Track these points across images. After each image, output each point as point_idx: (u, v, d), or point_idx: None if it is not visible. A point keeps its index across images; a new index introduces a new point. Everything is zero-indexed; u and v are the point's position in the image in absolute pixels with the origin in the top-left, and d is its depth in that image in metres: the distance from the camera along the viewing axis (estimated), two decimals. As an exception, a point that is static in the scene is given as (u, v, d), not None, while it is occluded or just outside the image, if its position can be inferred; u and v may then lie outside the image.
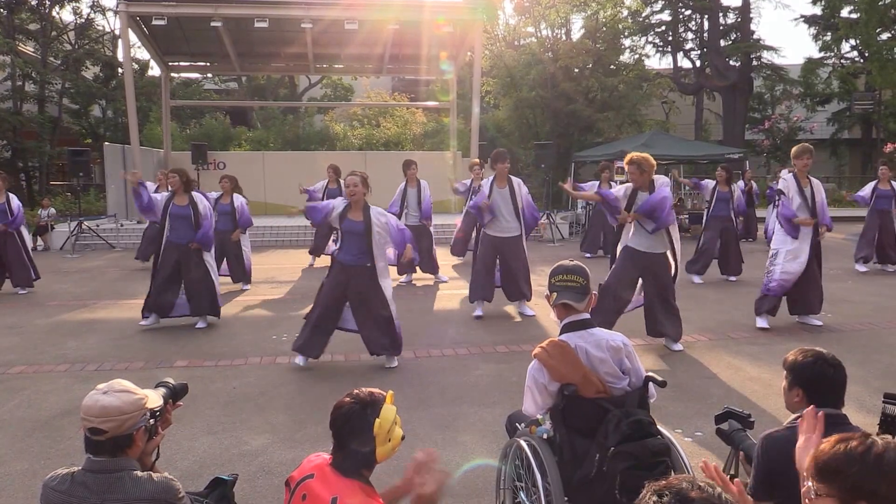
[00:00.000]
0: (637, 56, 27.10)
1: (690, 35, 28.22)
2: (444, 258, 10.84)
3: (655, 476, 1.40)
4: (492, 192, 7.21)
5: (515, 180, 7.31)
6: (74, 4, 23.42)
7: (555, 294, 2.76)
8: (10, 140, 21.59)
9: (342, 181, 6.85)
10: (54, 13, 23.24)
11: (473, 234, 8.55)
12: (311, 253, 11.28)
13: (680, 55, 28.22)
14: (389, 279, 5.62)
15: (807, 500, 1.54)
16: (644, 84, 25.37)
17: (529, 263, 7.53)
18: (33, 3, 22.51)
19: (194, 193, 7.14)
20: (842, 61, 27.84)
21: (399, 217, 9.46)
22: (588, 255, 12.13)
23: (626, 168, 5.83)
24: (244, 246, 9.23)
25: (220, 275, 8.62)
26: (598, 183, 11.92)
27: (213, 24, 15.41)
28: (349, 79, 28.88)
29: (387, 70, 21.02)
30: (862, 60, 26.17)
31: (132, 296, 8.50)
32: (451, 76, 20.26)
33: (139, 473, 1.92)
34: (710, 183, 10.04)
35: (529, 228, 7.49)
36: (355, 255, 5.44)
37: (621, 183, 6.08)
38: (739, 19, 26.62)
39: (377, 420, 1.96)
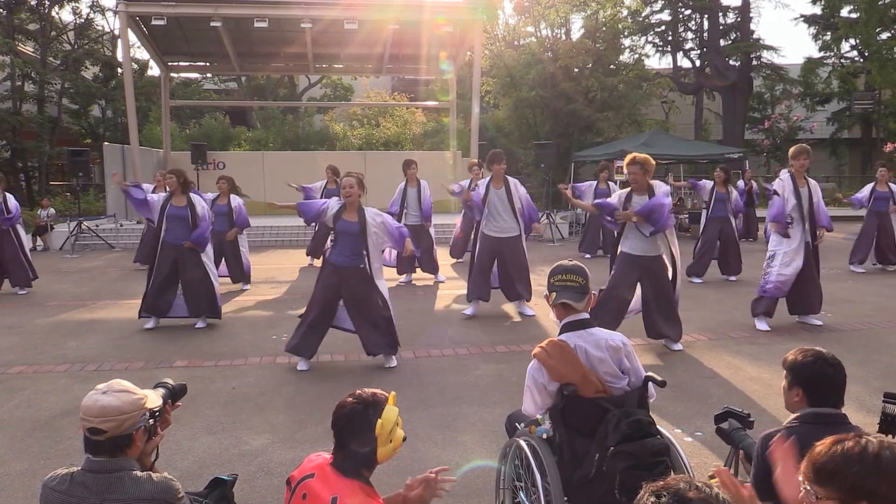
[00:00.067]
0: (637, 56, 27.13)
1: (690, 35, 28.21)
2: (443, 258, 10.84)
3: (655, 476, 1.40)
4: (488, 193, 7.21)
5: (512, 181, 7.31)
6: (74, 4, 23.45)
7: (554, 294, 2.76)
8: (10, 140, 21.58)
9: (339, 181, 6.86)
10: (54, 13, 23.23)
11: (472, 235, 8.54)
12: (308, 254, 11.29)
13: (680, 55, 28.22)
14: (384, 279, 5.62)
15: None
16: (644, 84, 25.38)
17: (529, 263, 7.53)
18: (33, 3, 22.50)
19: (192, 194, 7.12)
20: (841, 61, 27.83)
21: (399, 217, 9.48)
22: (588, 255, 12.12)
23: (628, 168, 5.77)
24: (242, 246, 9.23)
25: (219, 275, 8.64)
26: (595, 183, 11.92)
27: (212, 24, 15.41)
28: (349, 79, 28.89)
29: (386, 70, 21.02)
30: (862, 60, 26.17)
31: (132, 296, 8.50)
32: (450, 76, 20.25)
33: (139, 473, 1.92)
34: (707, 183, 10.03)
35: (530, 227, 7.49)
36: (348, 256, 5.44)
37: (621, 182, 6.07)
38: (739, 19, 26.61)
39: (379, 421, 1.97)
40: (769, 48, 26.69)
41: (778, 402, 4.38)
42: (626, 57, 26.84)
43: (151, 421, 2.03)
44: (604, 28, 25.03)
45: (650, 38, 27.49)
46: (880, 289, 8.88)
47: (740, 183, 14.46)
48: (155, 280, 6.93)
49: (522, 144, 24.94)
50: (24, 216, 11.63)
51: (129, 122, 16.61)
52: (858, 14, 23.25)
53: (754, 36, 26.64)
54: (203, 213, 7.05)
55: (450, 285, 9.55)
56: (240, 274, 9.25)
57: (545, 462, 2.53)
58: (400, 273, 9.77)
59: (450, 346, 6.30)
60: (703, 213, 10.13)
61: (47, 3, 22.50)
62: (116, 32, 22.31)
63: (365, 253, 5.43)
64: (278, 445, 4.06)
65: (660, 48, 28.04)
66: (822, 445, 1.55)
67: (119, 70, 23.28)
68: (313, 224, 10.00)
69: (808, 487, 1.54)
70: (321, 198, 10.35)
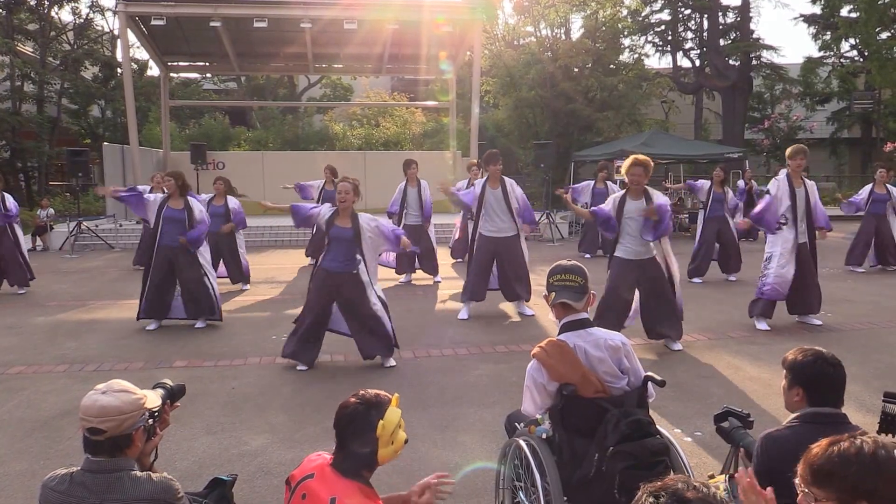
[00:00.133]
0: (636, 55, 27.11)
1: (690, 34, 28.21)
2: (443, 258, 10.84)
3: (654, 476, 1.40)
4: (485, 193, 7.20)
5: (509, 181, 7.31)
6: (73, 4, 23.44)
7: (553, 294, 2.77)
8: (9, 140, 21.57)
9: (336, 182, 6.86)
10: (53, 13, 23.22)
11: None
12: (308, 255, 11.30)
13: (679, 54, 28.21)
14: (378, 284, 5.61)
15: None
16: (643, 83, 25.37)
17: (529, 263, 7.52)
18: (32, 3, 22.50)
19: (189, 197, 7.11)
20: (841, 60, 27.83)
21: (399, 217, 9.48)
22: (588, 255, 12.12)
23: (632, 170, 5.69)
24: (239, 247, 9.21)
25: (218, 276, 8.63)
26: (593, 182, 11.92)
27: (212, 24, 15.41)
28: (348, 78, 28.88)
29: (386, 70, 21.03)
30: (861, 59, 26.16)
31: (131, 296, 8.49)
32: (450, 76, 20.26)
33: (138, 473, 1.92)
34: (705, 183, 10.02)
35: (532, 224, 7.46)
36: (341, 261, 5.44)
37: (621, 182, 6.07)
38: (739, 18, 26.61)
39: (381, 422, 1.96)
40: (769, 48, 26.71)
41: (778, 402, 4.38)
42: (625, 57, 26.86)
43: (151, 421, 2.03)
44: (603, 28, 25.03)
45: (650, 38, 27.50)
46: (880, 288, 8.88)
47: (740, 183, 14.45)
48: (152, 282, 6.92)
49: (522, 144, 24.94)
50: (23, 216, 11.65)
51: (129, 122, 16.62)
52: (858, 14, 23.25)
53: (754, 36, 26.65)
54: (201, 216, 7.04)
55: (450, 285, 9.54)
56: (238, 274, 9.24)
57: (545, 462, 2.53)
58: (399, 273, 9.77)
59: (449, 346, 6.30)
60: (700, 213, 10.11)
61: (47, 3, 22.49)
62: (116, 32, 22.28)
63: (359, 258, 5.43)
64: (278, 445, 4.06)
65: (659, 48, 28.04)
66: (818, 447, 1.55)
67: (118, 70, 23.28)
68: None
69: (806, 489, 1.54)
70: (319, 198, 10.39)
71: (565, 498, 2.50)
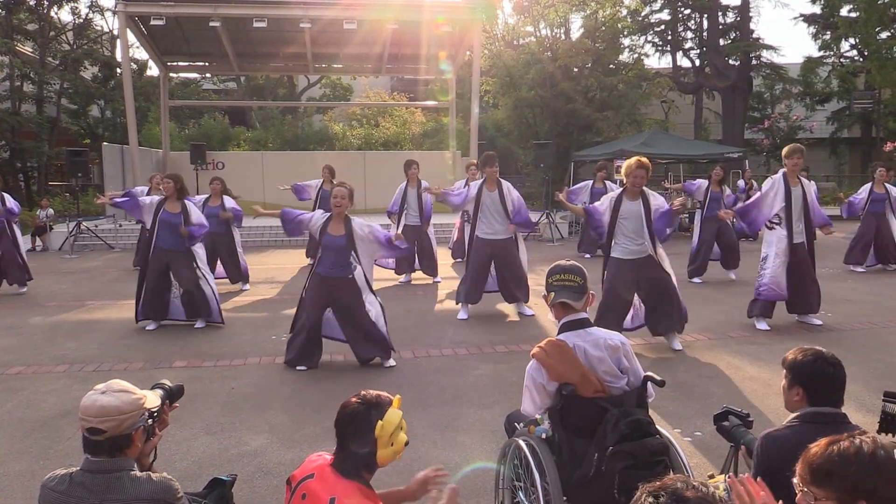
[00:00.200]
0: (636, 55, 27.13)
1: (690, 34, 28.22)
2: (443, 258, 10.83)
3: (654, 476, 1.39)
4: (481, 195, 7.19)
5: (505, 184, 7.30)
6: (73, 4, 23.44)
7: (552, 294, 2.77)
8: (9, 140, 21.57)
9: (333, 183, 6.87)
10: (52, 13, 23.23)
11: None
12: (308, 256, 11.30)
13: (679, 54, 28.22)
14: (372, 289, 5.61)
15: None
16: (643, 83, 25.38)
17: (529, 263, 7.51)
18: (31, 3, 22.50)
19: (187, 201, 7.11)
20: (841, 60, 27.83)
21: (399, 217, 9.48)
22: (587, 255, 12.11)
23: (636, 173, 5.66)
24: (237, 245, 9.20)
25: (216, 277, 8.62)
26: (591, 182, 11.92)
27: (211, 24, 15.41)
28: (348, 78, 28.89)
29: (386, 70, 21.02)
30: (861, 59, 26.17)
31: (131, 296, 8.43)
32: (450, 76, 20.25)
33: (138, 473, 1.92)
34: (703, 183, 10.01)
35: (522, 227, 7.41)
36: (336, 267, 5.44)
37: (620, 182, 6.06)
38: (739, 18, 26.62)
39: (379, 422, 1.96)
40: (769, 47, 26.73)
41: (778, 402, 4.38)
42: (625, 56, 26.88)
43: (150, 421, 2.03)
44: (603, 27, 25.04)
45: (650, 38, 27.51)
46: (880, 288, 8.88)
47: (741, 182, 14.46)
48: (148, 284, 6.92)
49: (522, 144, 24.94)
50: (23, 216, 11.65)
51: (128, 122, 16.63)
52: (858, 13, 23.25)
53: (754, 35, 26.67)
54: (199, 220, 7.07)
55: (450, 286, 9.53)
56: (237, 274, 9.22)
57: (544, 462, 2.53)
58: (399, 273, 9.77)
59: (449, 346, 6.30)
60: (698, 213, 10.10)
61: (46, 3, 22.49)
62: (115, 32, 22.30)
63: (354, 264, 5.43)
64: (277, 446, 4.06)
65: (659, 48, 28.05)
66: (816, 447, 1.55)
67: (118, 70, 23.28)
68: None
69: (805, 489, 1.53)
70: (316, 197, 10.40)
71: (565, 498, 2.50)
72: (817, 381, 2.23)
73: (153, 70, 23.65)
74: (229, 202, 9.00)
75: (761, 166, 25.64)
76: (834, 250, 11.24)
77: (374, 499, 1.96)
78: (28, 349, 6.29)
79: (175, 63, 20.10)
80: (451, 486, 1.91)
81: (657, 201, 5.80)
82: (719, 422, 2.60)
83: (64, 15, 24.68)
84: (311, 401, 4.82)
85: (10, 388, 5.15)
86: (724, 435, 2.58)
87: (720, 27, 26.66)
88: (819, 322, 6.80)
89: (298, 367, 5.54)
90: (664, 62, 29.29)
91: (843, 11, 25.06)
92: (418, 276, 9.89)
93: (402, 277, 9.73)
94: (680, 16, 27.43)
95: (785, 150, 6.62)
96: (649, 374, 2.74)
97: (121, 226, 15.00)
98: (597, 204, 6.12)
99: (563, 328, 2.76)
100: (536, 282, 7.79)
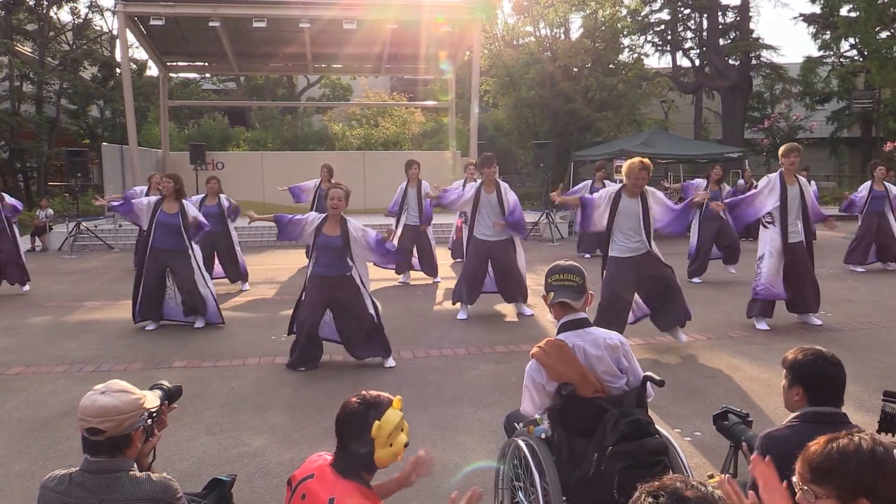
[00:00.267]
0: (636, 55, 27.15)
1: (689, 34, 28.23)
2: (442, 258, 10.83)
3: (653, 476, 1.39)
4: (479, 197, 7.19)
5: (503, 185, 7.30)
6: (72, 4, 23.43)
7: (552, 293, 2.77)
8: (8, 141, 21.57)
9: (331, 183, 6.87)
10: (52, 13, 23.22)
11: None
12: (308, 256, 11.29)
13: (679, 54, 28.23)
14: (369, 287, 5.61)
15: None
16: (643, 83, 25.39)
17: (528, 263, 7.50)
18: (31, 3, 22.49)
19: (185, 202, 7.10)
20: (841, 60, 27.83)
21: (398, 217, 9.47)
22: (587, 255, 12.10)
23: (639, 174, 5.63)
24: (235, 244, 9.19)
25: (215, 277, 8.63)
26: (591, 182, 11.92)
27: (211, 24, 15.40)
28: (348, 78, 28.91)
29: (385, 70, 21.03)
30: (861, 59, 26.17)
31: (130, 297, 8.48)
32: (449, 76, 20.26)
33: (137, 474, 1.92)
34: (701, 183, 9.99)
35: (517, 227, 7.36)
36: (333, 266, 5.43)
37: (620, 182, 6.04)
38: (738, 18, 26.63)
39: (377, 422, 1.96)
40: (768, 47, 26.76)
41: (778, 402, 4.38)
42: (625, 56, 26.89)
43: (149, 421, 2.03)
44: (603, 27, 25.04)
45: (649, 38, 27.52)
46: (879, 288, 8.87)
47: (741, 182, 14.46)
48: (145, 286, 6.90)
49: (521, 144, 24.95)
50: (22, 217, 11.65)
51: (128, 122, 16.62)
52: (858, 13, 23.24)
53: (754, 35, 26.68)
54: (198, 218, 7.10)
55: (449, 286, 9.53)
56: (236, 273, 9.21)
57: (544, 462, 2.53)
58: (399, 273, 9.76)
59: (449, 346, 6.29)
60: (696, 213, 10.09)
61: (45, 3, 22.49)
62: (115, 32, 22.30)
63: (351, 263, 5.43)
64: (277, 446, 4.05)
65: (659, 47, 28.06)
66: (816, 445, 1.55)
67: (117, 70, 23.28)
68: None
69: (805, 487, 1.53)
70: (314, 196, 10.40)
71: (564, 498, 2.50)
72: (817, 381, 2.23)
73: (153, 70, 23.67)
74: (225, 200, 9.00)
75: (761, 166, 25.65)
76: (834, 250, 11.25)
77: (374, 499, 1.96)
78: (27, 349, 6.28)
79: (174, 63, 20.10)
80: (473, 489, 1.91)
81: (658, 200, 5.79)
82: (719, 421, 2.60)
83: (63, 15, 24.72)
84: (310, 401, 4.82)
85: (9, 389, 5.14)
86: (723, 433, 2.58)
87: (720, 27, 26.66)
88: (819, 322, 6.79)
89: (299, 368, 5.54)
90: (664, 62, 29.33)
91: (843, 11, 25.06)
92: (419, 277, 9.89)
93: (402, 277, 9.73)
94: (680, 15, 27.44)
95: (782, 149, 6.60)
96: (649, 374, 2.74)
97: (120, 226, 14.98)
98: (594, 195, 6.12)
99: (563, 328, 2.76)
100: (536, 282, 7.80)
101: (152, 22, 15.33)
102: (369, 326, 5.50)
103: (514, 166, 28.07)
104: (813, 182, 13.76)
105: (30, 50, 23.71)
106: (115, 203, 7.41)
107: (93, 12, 24.39)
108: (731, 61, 25.99)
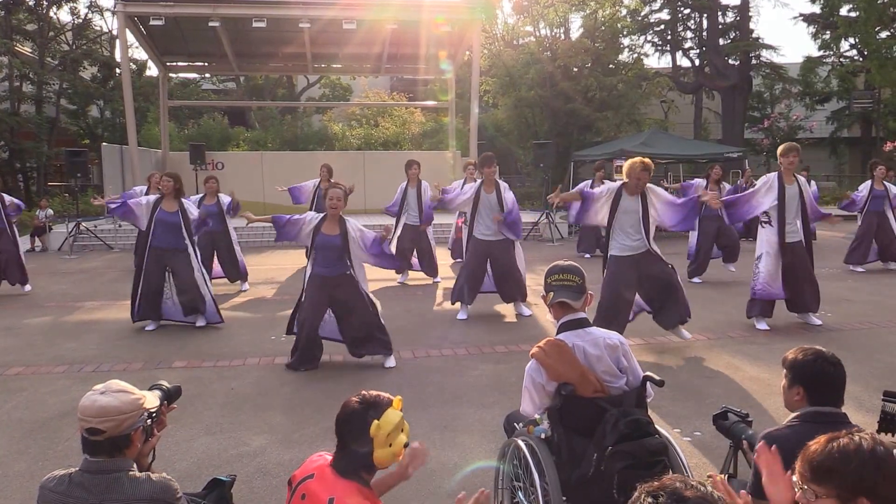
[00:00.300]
0: (636, 55, 27.17)
1: (689, 34, 28.24)
2: (442, 258, 10.83)
3: (653, 476, 1.39)
4: (479, 196, 7.19)
5: (502, 184, 7.31)
6: (72, 5, 23.45)
7: (551, 293, 2.77)
8: (8, 141, 21.57)
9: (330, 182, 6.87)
10: (52, 13, 23.23)
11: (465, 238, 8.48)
12: (308, 256, 11.28)
13: (679, 54, 28.23)
14: (367, 287, 5.61)
15: None
16: (643, 83, 25.40)
17: (528, 263, 7.49)
18: (31, 3, 22.49)
19: (184, 201, 7.10)
20: (841, 60, 27.84)
21: (398, 217, 9.47)
22: (587, 255, 12.11)
23: (640, 175, 5.63)
24: (235, 244, 9.19)
25: (214, 276, 8.63)
26: (591, 182, 11.91)
27: (210, 24, 15.40)
28: (347, 78, 28.90)
29: (385, 70, 21.02)
30: (861, 59, 26.18)
31: (130, 297, 8.48)
32: (449, 76, 20.26)
33: (137, 474, 1.92)
34: (701, 183, 9.99)
35: (513, 227, 7.33)
36: (333, 266, 5.43)
37: (620, 181, 6.03)
38: (738, 18, 26.63)
39: (375, 421, 1.96)
40: (768, 47, 26.76)
41: (778, 402, 4.38)
42: (625, 56, 26.91)
43: (149, 422, 2.03)
44: (603, 27, 25.05)
45: (649, 38, 27.52)
46: (879, 288, 8.87)
47: (741, 182, 14.45)
48: (144, 285, 6.88)
49: (521, 144, 24.96)
50: (22, 217, 11.64)
51: (128, 122, 16.61)
52: (858, 13, 23.25)
53: (753, 35, 26.68)
54: (198, 218, 7.10)
55: (449, 286, 9.52)
56: (235, 272, 9.19)
57: (543, 462, 2.53)
58: (398, 272, 9.76)
59: (449, 346, 6.29)
60: None
61: (45, 3, 22.49)
62: (114, 33, 22.30)
63: (349, 262, 5.42)
64: (277, 446, 4.05)
65: (659, 47, 28.06)
66: (816, 444, 1.55)
67: (117, 70, 23.29)
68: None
69: (805, 486, 1.53)
70: (313, 195, 10.40)
71: (564, 498, 2.49)
72: (818, 381, 2.22)
73: (152, 70, 23.67)
74: (224, 199, 9.00)
75: (761, 166, 25.64)
76: (834, 250, 11.25)
77: (374, 499, 1.96)
78: (27, 350, 6.28)
79: (174, 63, 20.09)
80: (481, 490, 1.91)
81: (661, 198, 5.79)
82: (719, 420, 2.60)
83: (63, 15, 24.78)
84: (310, 401, 4.81)
85: (9, 389, 5.14)
86: (723, 432, 2.58)
87: (720, 27, 26.66)
88: (819, 322, 6.79)
89: (300, 369, 5.54)
90: (664, 62, 29.34)
91: (843, 11, 25.06)
92: (419, 277, 9.88)
93: (400, 278, 9.73)
94: (679, 15, 27.44)
95: (780, 149, 6.59)
96: (648, 373, 2.74)
97: (120, 226, 14.98)
98: (595, 189, 6.11)
99: (562, 328, 2.76)
100: (536, 281, 7.79)
101: (152, 22, 15.33)
102: (371, 324, 5.49)
103: (514, 166, 28.08)
104: (813, 182, 13.76)
105: (29, 50, 23.71)
106: (112, 205, 7.38)
107: (92, 12, 24.45)
108: (731, 61, 25.99)
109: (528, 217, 15.56)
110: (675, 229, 6.02)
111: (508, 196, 7.22)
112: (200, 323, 7.00)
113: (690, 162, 20.84)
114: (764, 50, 26.70)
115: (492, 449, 3.78)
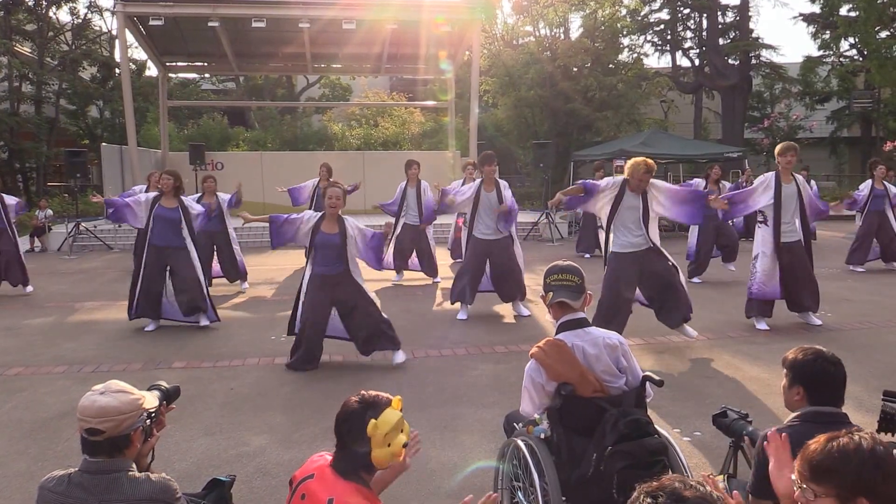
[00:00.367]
0: (636, 55, 27.15)
1: (689, 34, 28.22)
2: (442, 258, 10.83)
3: (652, 476, 1.39)
4: (479, 195, 7.18)
5: (502, 182, 7.31)
6: (71, 5, 23.42)
7: (550, 293, 2.77)
8: (8, 141, 21.56)
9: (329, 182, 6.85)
10: (51, 14, 23.22)
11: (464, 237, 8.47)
12: (307, 255, 11.28)
13: (679, 54, 28.22)
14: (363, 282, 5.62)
15: None
16: (643, 83, 25.39)
17: (527, 263, 7.49)
18: (30, 3, 22.49)
19: (184, 198, 7.09)
20: (841, 59, 27.82)
21: (398, 217, 9.47)
22: (586, 255, 12.10)
23: (643, 177, 5.65)
24: (234, 242, 9.18)
25: (213, 276, 8.62)
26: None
27: (210, 24, 15.40)
28: (347, 78, 28.89)
29: (385, 70, 21.02)
30: (861, 59, 26.17)
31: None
32: (449, 75, 20.25)
33: (137, 474, 1.92)
34: (700, 183, 9.99)
35: (506, 219, 7.28)
36: (332, 264, 5.42)
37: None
38: (738, 18, 26.62)
39: (373, 421, 1.95)
40: (768, 47, 26.73)
41: (778, 402, 4.38)
42: (624, 56, 26.89)
43: (148, 422, 2.03)
44: (602, 27, 25.04)
45: (649, 38, 27.50)
46: (879, 288, 8.87)
47: (741, 181, 14.45)
48: (143, 284, 6.84)
49: (521, 144, 24.95)
50: (22, 217, 11.63)
51: (127, 122, 16.61)
52: (857, 13, 23.24)
53: (753, 35, 26.66)
54: (199, 212, 7.12)
55: (449, 286, 9.52)
56: (235, 272, 9.18)
57: (543, 462, 2.53)
58: (397, 272, 9.76)
59: (448, 346, 6.29)
60: None
61: (45, 3, 22.48)
62: (114, 33, 22.31)
63: (348, 259, 5.43)
64: (276, 446, 4.05)
65: (659, 47, 28.04)
66: (815, 443, 1.55)
67: (117, 70, 23.27)
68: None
69: (804, 486, 1.53)
70: (313, 195, 10.41)
71: (563, 498, 2.49)
72: (818, 381, 2.22)
73: (152, 70, 23.65)
74: (226, 195, 8.99)
75: (761, 166, 25.63)
76: (834, 250, 11.25)
77: (374, 499, 1.96)
78: (27, 350, 6.28)
79: (174, 63, 20.09)
80: (489, 494, 1.91)
81: (664, 192, 5.79)
82: (719, 419, 2.60)
83: (62, 15, 24.73)
84: (310, 401, 4.81)
85: (8, 389, 5.14)
86: (723, 430, 2.57)
87: (720, 27, 26.65)
88: (819, 322, 6.79)
89: (300, 370, 5.53)
90: (664, 62, 29.33)
91: (843, 11, 25.05)
92: (419, 277, 9.88)
93: (395, 277, 9.73)
94: (679, 15, 27.43)
95: (778, 148, 6.58)
96: (648, 373, 2.74)
97: (119, 226, 14.97)
98: (601, 182, 6.10)
99: (562, 328, 2.76)
100: (536, 281, 7.78)
101: (151, 22, 15.33)
102: (377, 319, 5.49)
103: (514, 166, 28.07)
104: (813, 182, 13.75)
105: (29, 50, 23.70)
106: (109, 210, 7.31)
107: (92, 12, 24.42)
108: (730, 61, 25.98)
109: (528, 217, 15.58)
110: (683, 222, 6.04)
111: (507, 194, 7.22)
112: (204, 322, 6.95)
113: (690, 162, 20.82)
114: (764, 50, 26.70)
115: (491, 449, 3.78)
